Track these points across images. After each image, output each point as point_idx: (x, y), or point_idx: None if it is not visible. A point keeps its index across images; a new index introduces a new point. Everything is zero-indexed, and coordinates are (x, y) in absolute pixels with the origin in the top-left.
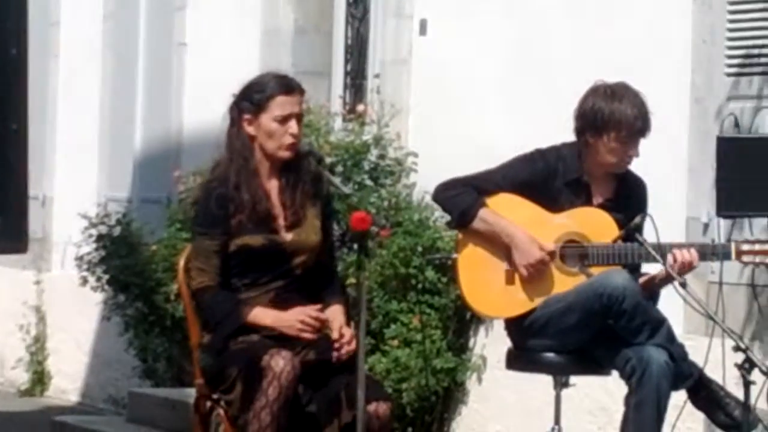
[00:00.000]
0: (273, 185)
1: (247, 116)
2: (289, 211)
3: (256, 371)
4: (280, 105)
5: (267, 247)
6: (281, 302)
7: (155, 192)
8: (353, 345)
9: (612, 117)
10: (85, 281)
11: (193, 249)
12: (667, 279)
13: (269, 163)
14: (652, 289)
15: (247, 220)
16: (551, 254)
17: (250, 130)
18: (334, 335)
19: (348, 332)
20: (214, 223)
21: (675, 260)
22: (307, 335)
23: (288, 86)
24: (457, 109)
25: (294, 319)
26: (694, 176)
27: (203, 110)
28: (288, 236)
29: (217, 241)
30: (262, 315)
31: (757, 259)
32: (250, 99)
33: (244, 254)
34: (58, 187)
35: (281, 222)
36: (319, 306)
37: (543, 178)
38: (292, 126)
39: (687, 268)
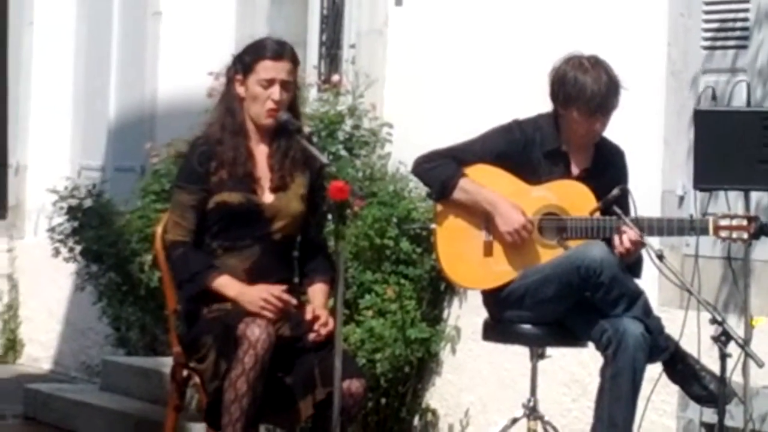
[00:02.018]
0: (261, 150)
1: (238, 77)
2: (275, 175)
3: (231, 340)
4: (265, 69)
5: (245, 206)
6: (258, 271)
7: (129, 161)
8: (330, 326)
9: (574, 90)
10: (57, 252)
11: (172, 203)
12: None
13: (255, 128)
14: (630, 260)
15: (228, 177)
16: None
17: (240, 91)
18: (308, 316)
19: (324, 314)
20: (194, 178)
21: (621, 242)
22: (267, 314)
23: (277, 52)
24: (433, 80)
25: (257, 296)
26: (669, 149)
27: (178, 79)
28: (269, 198)
29: (195, 196)
30: (228, 285)
31: (734, 234)
32: (242, 60)
33: (222, 212)
34: (31, 156)
35: (265, 184)
36: (285, 287)
37: (521, 149)
38: (275, 92)
39: (634, 247)
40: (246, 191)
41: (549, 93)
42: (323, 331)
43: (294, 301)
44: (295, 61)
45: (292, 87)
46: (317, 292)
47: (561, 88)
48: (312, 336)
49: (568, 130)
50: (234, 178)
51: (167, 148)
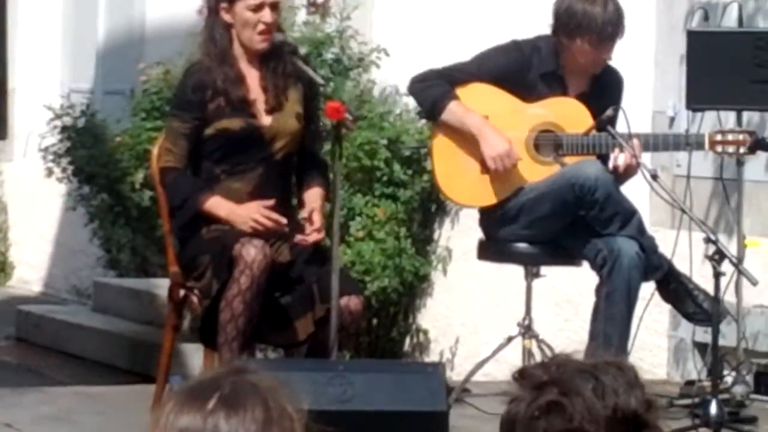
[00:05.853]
0: (252, 73)
1: (223, 4)
2: (270, 95)
3: (227, 260)
4: None
5: (246, 131)
6: (261, 192)
7: (118, 84)
8: (321, 234)
9: (583, 20)
10: (50, 172)
11: (165, 129)
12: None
13: (247, 54)
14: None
15: (225, 104)
16: (526, 144)
17: (227, 18)
18: (304, 213)
19: (318, 218)
20: (187, 107)
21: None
22: (259, 228)
23: None
24: (423, 2)
25: (247, 215)
26: (660, 70)
27: (166, 0)
28: (267, 120)
29: (188, 125)
30: (218, 205)
31: (730, 149)
32: None
33: (223, 138)
34: (19, 78)
35: (260, 106)
36: (271, 202)
37: (518, 69)
38: (265, 15)
39: (635, 165)
40: (245, 116)
41: (552, 24)
42: (311, 239)
43: (284, 221)
44: None
45: (278, 7)
46: (313, 195)
47: (569, 19)
48: (298, 238)
49: (569, 59)
50: (231, 104)
51: (157, 67)
